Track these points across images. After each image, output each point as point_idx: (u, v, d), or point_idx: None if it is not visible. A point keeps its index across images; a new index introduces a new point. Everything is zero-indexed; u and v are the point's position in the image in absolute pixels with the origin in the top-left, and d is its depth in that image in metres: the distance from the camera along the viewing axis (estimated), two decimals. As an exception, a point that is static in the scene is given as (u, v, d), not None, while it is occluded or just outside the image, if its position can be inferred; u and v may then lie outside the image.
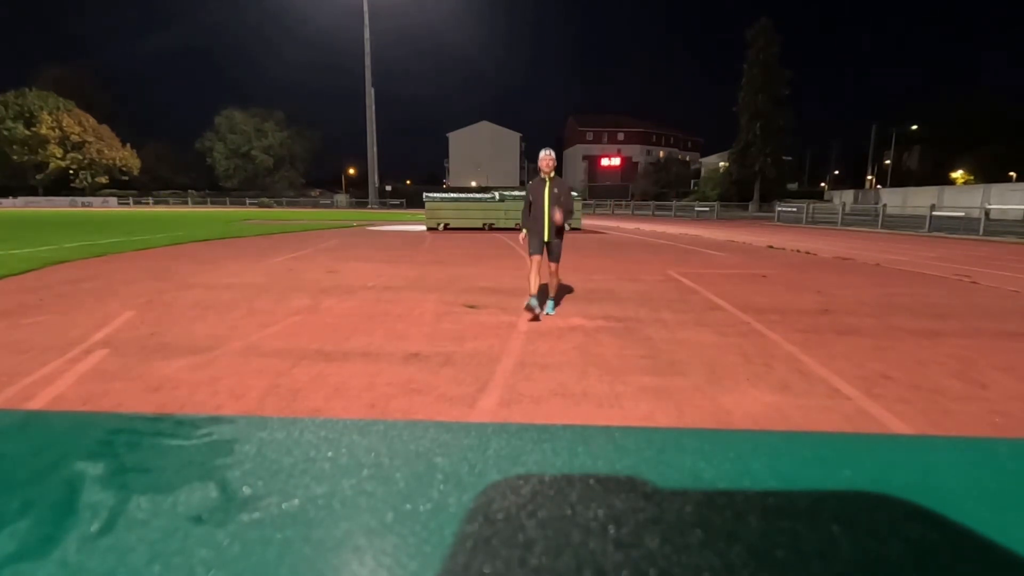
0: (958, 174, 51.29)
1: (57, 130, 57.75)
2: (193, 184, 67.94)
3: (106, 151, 61.46)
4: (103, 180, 62.45)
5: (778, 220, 27.27)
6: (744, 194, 44.56)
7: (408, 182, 75.81)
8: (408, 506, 0.57)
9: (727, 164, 50.07)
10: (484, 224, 16.70)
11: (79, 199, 56.47)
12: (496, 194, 16.93)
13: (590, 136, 77.26)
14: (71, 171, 60.30)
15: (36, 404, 2.47)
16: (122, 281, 6.10)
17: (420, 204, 18.58)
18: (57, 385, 2.71)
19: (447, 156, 74.53)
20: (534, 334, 3.87)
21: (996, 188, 33.08)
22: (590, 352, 3.42)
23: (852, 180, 62.25)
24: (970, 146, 50.80)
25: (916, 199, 35.41)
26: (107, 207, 52.44)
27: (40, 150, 57.73)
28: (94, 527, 0.50)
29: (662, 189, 56.26)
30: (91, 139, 60.28)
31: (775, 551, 0.48)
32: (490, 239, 13.40)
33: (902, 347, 3.61)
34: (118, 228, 16.19)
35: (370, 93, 54.14)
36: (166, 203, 60.27)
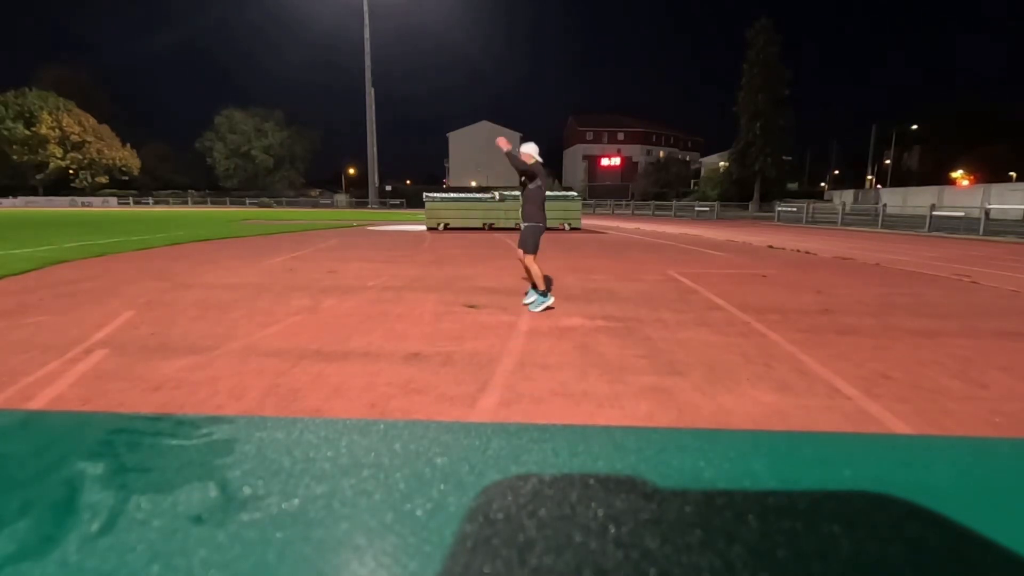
0: (958, 174, 51.26)
1: (57, 130, 57.67)
2: (193, 184, 67.84)
3: (106, 151, 61.39)
4: (103, 180, 62.39)
5: (778, 220, 27.27)
6: (744, 194, 44.52)
7: (408, 182, 75.79)
8: (408, 506, 0.57)
9: (727, 164, 50.02)
10: (484, 224, 16.71)
11: (79, 199, 56.40)
12: (496, 194, 16.94)
13: (590, 136, 77.17)
14: (71, 171, 60.23)
15: (36, 404, 2.47)
16: (122, 281, 6.10)
17: (420, 204, 18.59)
18: (57, 385, 2.71)
19: (447, 156, 74.53)
20: (534, 334, 3.87)
21: (996, 188, 33.03)
22: (590, 352, 3.42)
23: (852, 180, 62.18)
24: (970, 146, 50.77)
25: (916, 199, 35.37)
26: (107, 207, 52.41)
27: (40, 150, 57.65)
28: (94, 527, 0.50)
29: (662, 189, 56.18)
30: (91, 139, 60.21)
31: (775, 551, 0.48)
32: (490, 239, 13.40)
33: (902, 347, 3.61)
34: (118, 228, 16.18)
35: (370, 93, 54.11)
36: (166, 203, 60.21)
